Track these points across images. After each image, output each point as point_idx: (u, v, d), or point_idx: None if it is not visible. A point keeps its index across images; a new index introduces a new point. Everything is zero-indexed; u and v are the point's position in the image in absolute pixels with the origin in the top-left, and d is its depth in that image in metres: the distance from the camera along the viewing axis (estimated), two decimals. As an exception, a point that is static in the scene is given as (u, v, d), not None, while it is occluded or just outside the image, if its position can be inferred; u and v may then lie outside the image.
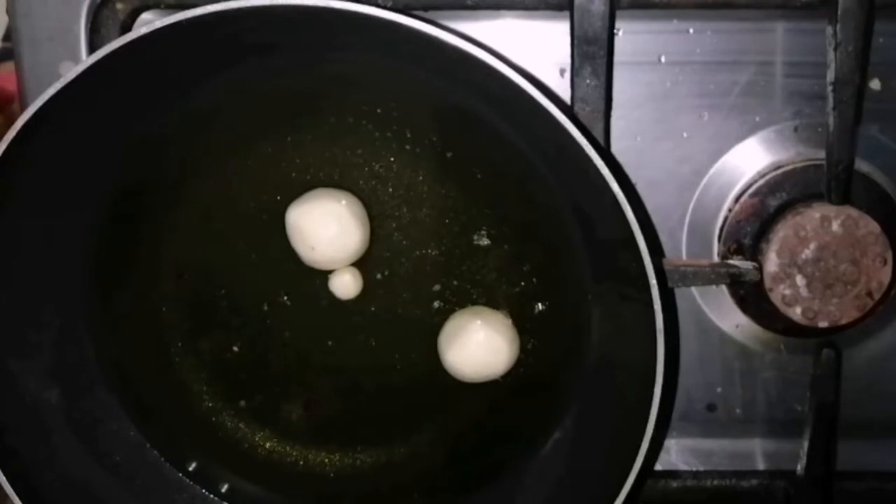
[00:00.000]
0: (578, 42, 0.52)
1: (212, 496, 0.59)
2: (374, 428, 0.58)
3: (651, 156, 0.56)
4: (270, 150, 0.54)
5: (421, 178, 0.54)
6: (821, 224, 0.53)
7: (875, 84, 0.55)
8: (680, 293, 0.57)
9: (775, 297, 0.53)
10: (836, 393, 0.56)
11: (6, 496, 0.50)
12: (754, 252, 0.55)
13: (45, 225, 0.52)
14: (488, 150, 0.53)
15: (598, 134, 0.52)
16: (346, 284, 0.55)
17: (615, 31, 0.53)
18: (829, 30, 0.51)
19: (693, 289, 0.58)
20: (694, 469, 0.60)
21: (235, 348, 0.57)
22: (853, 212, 0.53)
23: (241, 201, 0.55)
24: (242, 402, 0.58)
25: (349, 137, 0.54)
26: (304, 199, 0.53)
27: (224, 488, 0.59)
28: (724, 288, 0.57)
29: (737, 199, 0.56)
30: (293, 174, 0.54)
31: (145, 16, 0.54)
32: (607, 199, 0.44)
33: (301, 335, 0.57)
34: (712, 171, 0.57)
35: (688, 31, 0.55)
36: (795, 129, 0.56)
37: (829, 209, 0.53)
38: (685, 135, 0.56)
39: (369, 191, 0.54)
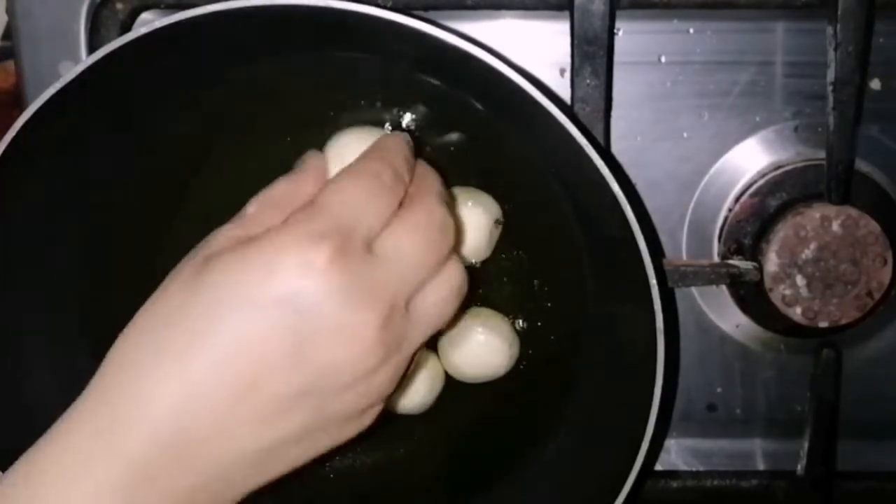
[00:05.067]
0: (578, 42, 0.52)
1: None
2: (373, 428, 0.58)
3: (651, 156, 0.56)
4: (270, 150, 0.54)
5: (421, 178, 0.54)
6: (821, 224, 0.53)
7: (875, 84, 0.55)
8: (680, 293, 0.57)
9: (775, 297, 0.54)
10: (836, 393, 0.56)
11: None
12: (754, 252, 0.55)
13: (44, 224, 0.52)
14: (489, 150, 0.53)
15: (598, 134, 0.52)
16: None
17: (615, 30, 0.53)
18: (830, 30, 0.51)
19: (693, 289, 0.58)
20: (694, 469, 0.60)
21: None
22: (853, 212, 0.53)
23: (242, 201, 0.55)
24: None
25: (349, 137, 0.54)
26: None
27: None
28: (724, 288, 0.57)
29: (737, 199, 0.56)
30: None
31: (145, 16, 0.54)
32: (607, 199, 0.44)
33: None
34: (712, 170, 0.57)
35: (688, 31, 0.55)
36: (795, 129, 0.56)
37: (829, 209, 0.53)
38: (685, 135, 0.56)
39: (369, 191, 0.54)
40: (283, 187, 0.43)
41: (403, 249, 0.39)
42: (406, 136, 0.45)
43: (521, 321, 0.55)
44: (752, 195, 0.56)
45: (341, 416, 0.40)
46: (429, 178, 0.43)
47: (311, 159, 0.46)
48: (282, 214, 0.40)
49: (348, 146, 0.51)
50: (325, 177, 0.44)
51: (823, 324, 0.54)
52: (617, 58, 0.53)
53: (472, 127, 0.52)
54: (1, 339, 0.51)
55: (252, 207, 0.43)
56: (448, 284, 0.42)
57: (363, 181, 0.40)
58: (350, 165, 0.42)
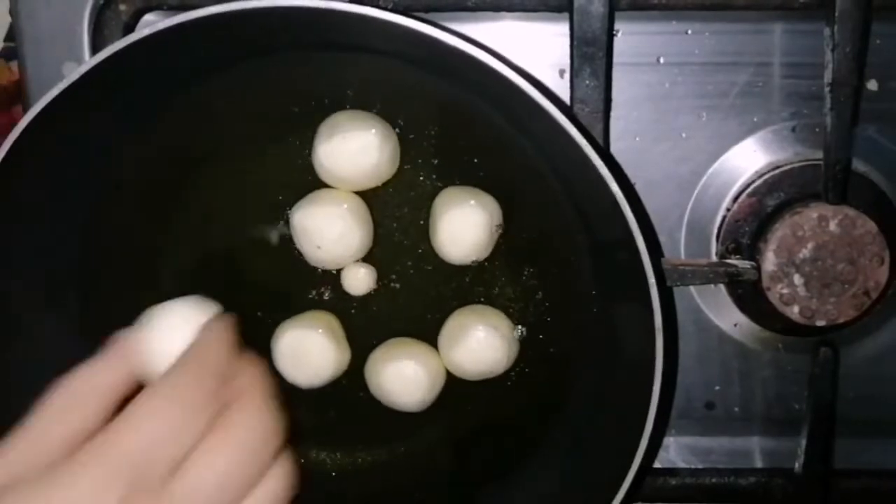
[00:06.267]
0: (578, 43, 0.52)
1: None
2: (374, 427, 0.58)
3: (650, 156, 0.57)
4: (272, 150, 0.54)
5: (421, 177, 0.54)
6: (818, 223, 0.53)
7: (872, 85, 0.56)
8: (678, 292, 0.57)
9: (773, 297, 0.54)
10: (833, 391, 0.56)
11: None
12: (752, 251, 0.55)
13: (46, 224, 0.52)
14: (489, 150, 0.53)
15: (598, 134, 0.52)
16: (359, 280, 0.55)
17: (614, 32, 0.54)
18: (827, 31, 0.51)
19: (692, 288, 0.58)
20: (692, 466, 0.60)
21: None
22: (850, 211, 0.53)
23: (243, 201, 0.55)
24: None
25: (350, 138, 0.54)
26: (308, 200, 0.53)
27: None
28: (722, 287, 0.58)
29: (735, 199, 0.57)
30: (295, 174, 0.54)
31: (148, 17, 0.54)
32: (606, 199, 0.45)
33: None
34: (711, 171, 0.57)
35: (686, 33, 0.55)
36: (793, 130, 0.56)
37: (826, 209, 0.53)
38: (684, 135, 0.57)
39: (370, 190, 0.54)
40: (78, 386, 0.38)
41: (210, 477, 0.35)
42: (226, 323, 0.40)
43: (520, 319, 0.56)
44: (750, 195, 0.56)
45: None
46: (251, 377, 0.39)
47: (117, 345, 0.39)
48: (61, 441, 0.35)
49: (341, 125, 0.52)
50: (128, 365, 0.39)
51: (821, 323, 0.54)
52: (616, 59, 0.53)
53: (473, 127, 0.53)
54: (4, 344, 0.52)
55: (30, 430, 0.36)
56: (270, 495, 0.37)
57: (168, 410, 0.35)
58: (163, 378, 0.36)
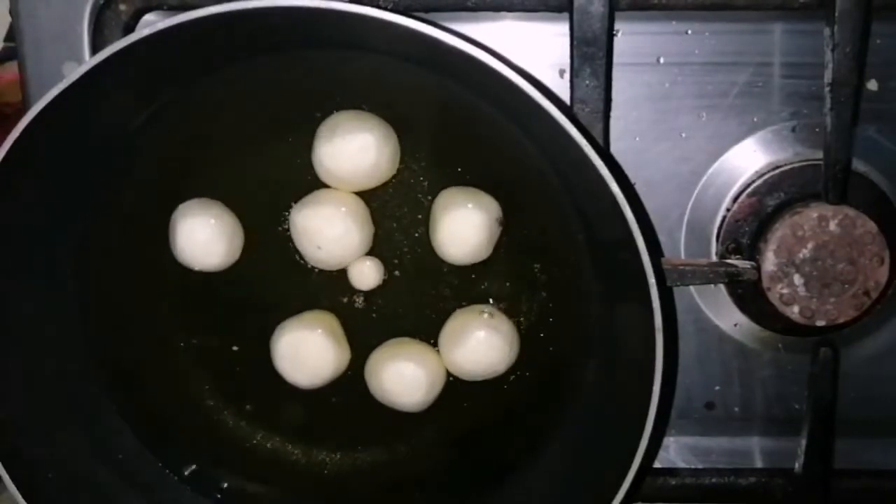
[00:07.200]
0: (578, 43, 0.52)
1: (213, 495, 0.59)
2: (374, 427, 0.58)
3: (650, 156, 0.57)
4: (272, 150, 0.54)
5: (421, 177, 0.55)
6: (818, 223, 0.53)
7: (872, 84, 0.56)
8: (679, 292, 0.58)
9: (773, 297, 0.54)
10: (833, 391, 0.56)
11: (4, 490, 0.50)
12: (752, 251, 0.55)
13: (46, 223, 0.52)
14: (489, 150, 0.53)
15: (598, 134, 0.53)
16: (366, 274, 0.55)
17: (614, 32, 0.54)
18: (827, 31, 0.51)
19: (692, 288, 0.58)
20: (692, 467, 0.61)
21: (235, 348, 0.57)
22: (850, 211, 0.53)
23: (243, 201, 0.55)
24: (243, 401, 0.59)
25: (350, 138, 0.54)
26: (308, 200, 0.53)
27: (225, 487, 0.59)
28: (722, 287, 0.58)
29: (735, 199, 0.57)
30: (295, 174, 0.54)
31: (148, 17, 0.54)
32: (606, 199, 0.45)
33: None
34: (711, 171, 0.57)
35: (686, 33, 0.56)
36: (793, 130, 0.56)
37: (826, 209, 0.53)
38: (684, 135, 0.57)
39: (370, 190, 0.54)
40: None
41: None
42: None
43: (521, 320, 0.56)
44: (750, 195, 0.56)
45: None
46: None
47: None
48: None
49: (341, 125, 0.52)
50: None
51: (821, 323, 0.54)
52: (616, 59, 0.53)
53: (473, 127, 0.53)
54: (5, 343, 0.52)
55: None
56: None
57: None
58: None
